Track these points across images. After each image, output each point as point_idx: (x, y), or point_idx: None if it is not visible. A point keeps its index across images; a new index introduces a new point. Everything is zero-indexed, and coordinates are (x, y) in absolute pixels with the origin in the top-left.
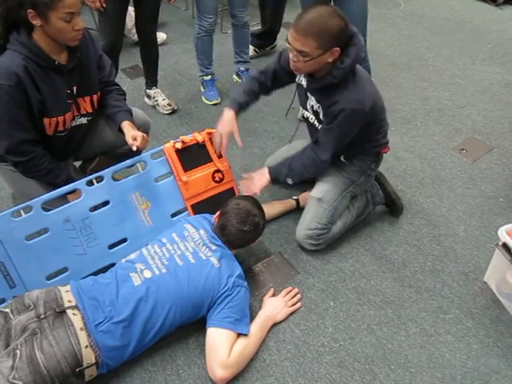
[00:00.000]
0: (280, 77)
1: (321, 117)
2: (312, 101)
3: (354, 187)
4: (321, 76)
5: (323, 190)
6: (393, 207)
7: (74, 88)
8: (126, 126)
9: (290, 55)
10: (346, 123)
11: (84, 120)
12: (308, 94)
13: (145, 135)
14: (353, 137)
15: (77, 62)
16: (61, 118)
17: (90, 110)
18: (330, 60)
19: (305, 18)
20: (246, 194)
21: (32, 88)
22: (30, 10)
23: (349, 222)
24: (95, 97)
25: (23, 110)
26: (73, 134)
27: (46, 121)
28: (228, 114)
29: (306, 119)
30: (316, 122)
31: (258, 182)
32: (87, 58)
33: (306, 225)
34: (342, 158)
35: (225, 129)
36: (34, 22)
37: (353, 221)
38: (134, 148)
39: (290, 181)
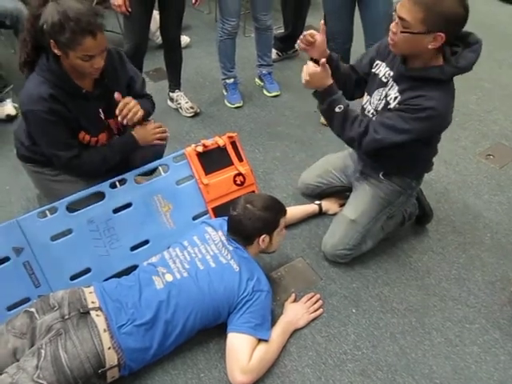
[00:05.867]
0: (363, 81)
1: (390, 106)
2: (392, 90)
3: (390, 208)
4: (422, 67)
5: (358, 211)
6: (423, 218)
7: (101, 111)
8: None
9: (392, 25)
10: (426, 123)
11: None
12: (390, 82)
13: (132, 104)
14: (409, 148)
15: (104, 88)
16: (94, 139)
17: (121, 128)
18: (429, 46)
19: None
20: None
21: (64, 110)
22: (51, 41)
23: (380, 239)
24: None
25: (63, 128)
26: None
27: (81, 135)
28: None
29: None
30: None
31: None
32: (116, 82)
33: (334, 245)
34: (380, 175)
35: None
36: (56, 52)
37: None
38: (124, 121)
39: (339, 108)
